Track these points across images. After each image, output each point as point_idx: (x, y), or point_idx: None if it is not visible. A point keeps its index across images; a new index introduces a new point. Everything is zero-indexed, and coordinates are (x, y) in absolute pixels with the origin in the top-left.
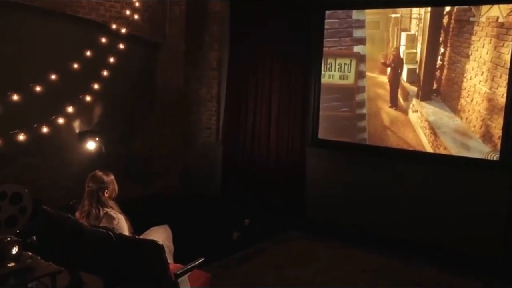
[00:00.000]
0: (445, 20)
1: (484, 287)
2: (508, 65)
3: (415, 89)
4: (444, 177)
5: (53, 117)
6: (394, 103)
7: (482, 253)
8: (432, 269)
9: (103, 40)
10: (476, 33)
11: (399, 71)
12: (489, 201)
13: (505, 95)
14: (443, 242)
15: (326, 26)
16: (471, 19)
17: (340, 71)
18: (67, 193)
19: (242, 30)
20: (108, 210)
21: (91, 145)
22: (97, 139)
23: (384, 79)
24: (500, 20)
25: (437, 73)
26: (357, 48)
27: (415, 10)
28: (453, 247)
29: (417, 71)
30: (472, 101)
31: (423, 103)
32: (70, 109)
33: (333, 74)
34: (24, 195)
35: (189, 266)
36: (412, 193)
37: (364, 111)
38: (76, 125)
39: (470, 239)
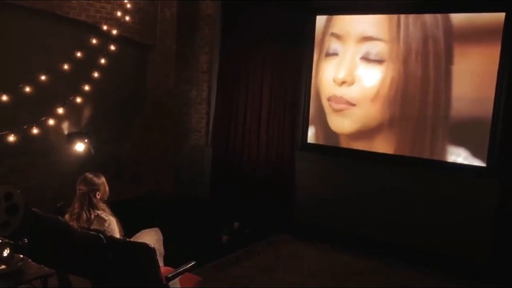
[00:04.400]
0: None
1: None
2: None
3: None
4: (432, 181)
5: (43, 118)
6: None
7: (468, 257)
8: (418, 272)
9: (94, 41)
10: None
11: None
12: (476, 206)
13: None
14: (431, 245)
15: None
16: None
17: None
18: (54, 194)
19: (233, 33)
20: (99, 212)
21: (79, 146)
22: (86, 140)
23: None
24: None
25: None
26: None
27: None
28: (440, 251)
29: None
30: None
31: None
32: (60, 110)
33: None
34: (17, 196)
35: (181, 269)
36: (400, 197)
37: None
38: (65, 126)
39: (457, 243)
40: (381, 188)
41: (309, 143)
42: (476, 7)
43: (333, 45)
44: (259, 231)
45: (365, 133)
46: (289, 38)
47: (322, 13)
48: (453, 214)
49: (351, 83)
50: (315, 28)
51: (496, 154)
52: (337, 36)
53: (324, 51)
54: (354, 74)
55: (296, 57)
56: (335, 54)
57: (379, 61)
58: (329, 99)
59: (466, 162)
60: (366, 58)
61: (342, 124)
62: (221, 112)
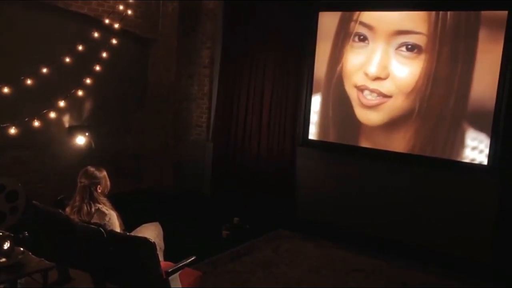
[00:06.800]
0: None
1: None
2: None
3: None
4: (434, 180)
5: (44, 111)
6: None
7: (469, 256)
8: (419, 271)
9: (96, 34)
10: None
11: None
12: (477, 205)
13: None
14: (431, 244)
15: None
16: None
17: None
18: (55, 187)
19: (235, 28)
20: (100, 206)
21: (80, 140)
22: (86, 134)
23: None
24: None
25: None
26: None
27: None
28: (441, 249)
29: None
30: None
31: None
32: (61, 103)
33: None
34: (11, 184)
35: (181, 264)
36: (401, 195)
37: None
38: (66, 119)
39: (458, 242)
40: (382, 186)
41: (310, 139)
42: (480, 4)
43: (362, 32)
44: (259, 227)
45: (389, 125)
46: (292, 33)
47: (325, 9)
48: (455, 213)
49: (386, 77)
50: (317, 24)
51: (499, 153)
52: (367, 26)
53: (351, 37)
54: (388, 69)
55: (299, 52)
56: (363, 41)
57: (416, 54)
58: (359, 89)
59: (484, 160)
60: (401, 51)
61: (372, 116)
62: (222, 107)
